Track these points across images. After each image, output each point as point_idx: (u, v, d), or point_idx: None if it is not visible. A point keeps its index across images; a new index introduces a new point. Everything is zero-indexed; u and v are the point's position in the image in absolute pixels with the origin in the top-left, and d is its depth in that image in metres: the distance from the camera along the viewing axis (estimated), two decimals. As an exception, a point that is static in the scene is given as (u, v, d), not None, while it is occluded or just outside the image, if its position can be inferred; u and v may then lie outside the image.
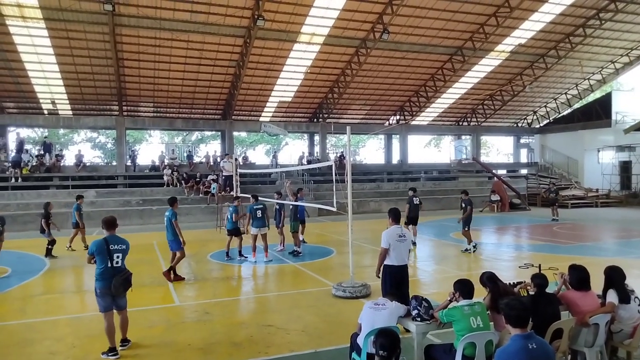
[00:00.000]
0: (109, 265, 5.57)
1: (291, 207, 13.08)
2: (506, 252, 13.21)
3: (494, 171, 31.00)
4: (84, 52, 21.57)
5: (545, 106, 36.38)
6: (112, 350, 5.57)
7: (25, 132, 28.68)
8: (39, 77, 22.88)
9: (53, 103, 25.13)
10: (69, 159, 27.71)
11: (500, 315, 4.01)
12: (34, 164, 23.80)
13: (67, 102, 25.28)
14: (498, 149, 52.49)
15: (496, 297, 4.64)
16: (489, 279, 4.94)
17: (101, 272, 5.58)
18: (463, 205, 12.72)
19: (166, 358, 5.64)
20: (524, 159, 39.50)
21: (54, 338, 6.36)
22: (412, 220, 13.59)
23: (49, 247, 12.40)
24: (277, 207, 13.87)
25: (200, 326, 6.79)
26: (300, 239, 13.43)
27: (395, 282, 6.19)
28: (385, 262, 6.27)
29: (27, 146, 25.52)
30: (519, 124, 38.34)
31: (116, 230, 5.93)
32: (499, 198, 25.89)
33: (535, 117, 37.45)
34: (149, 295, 8.66)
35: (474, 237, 12.89)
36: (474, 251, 12.31)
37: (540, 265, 6.61)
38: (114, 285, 5.52)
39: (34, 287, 9.59)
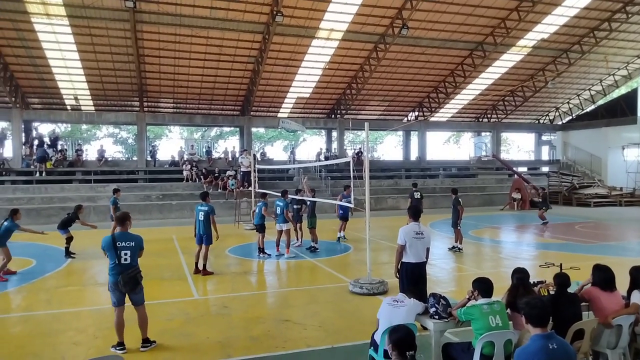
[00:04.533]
0: (117, 262, 5.57)
1: (309, 203, 13.12)
2: (526, 250, 13.02)
3: (514, 168, 30.54)
4: (106, 49, 21.91)
5: (568, 102, 35.64)
6: (120, 344, 5.64)
7: (47, 128, 29.24)
8: (63, 73, 23.32)
9: (76, 99, 25.61)
10: (91, 154, 28.24)
11: (519, 314, 3.96)
12: (58, 158, 24.34)
13: (90, 98, 25.73)
14: (519, 146, 51.64)
15: (515, 296, 4.59)
16: (519, 279, 4.87)
17: (111, 268, 5.62)
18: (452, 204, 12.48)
19: (185, 351, 5.73)
20: (545, 156, 38.83)
21: (77, 329, 6.52)
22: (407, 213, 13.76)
23: (67, 245, 12.01)
24: (296, 205, 13.91)
25: (219, 320, 6.88)
26: (342, 235, 13.93)
27: (413, 279, 6.12)
28: (403, 260, 6.22)
29: (46, 140, 25.98)
30: (541, 121, 37.65)
31: (130, 225, 5.90)
32: (520, 196, 25.51)
33: (557, 113, 36.72)
34: (168, 288, 8.80)
35: (494, 235, 12.75)
36: (459, 251, 12.17)
37: (561, 264, 6.49)
38: (121, 282, 5.52)
39: (57, 278, 9.83)
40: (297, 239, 13.51)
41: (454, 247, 12.30)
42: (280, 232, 11.89)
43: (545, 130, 37.91)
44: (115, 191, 13.94)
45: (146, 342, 5.76)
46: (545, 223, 17.70)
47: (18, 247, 11.89)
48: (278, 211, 11.74)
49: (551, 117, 37.16)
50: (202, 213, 9.76)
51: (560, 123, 36.63)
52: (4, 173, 22.72)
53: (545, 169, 35.12)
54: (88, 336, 6.23)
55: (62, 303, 7.94)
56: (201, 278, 9.55)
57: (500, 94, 31.88)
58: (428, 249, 6.32)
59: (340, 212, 14.05)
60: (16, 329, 6.68)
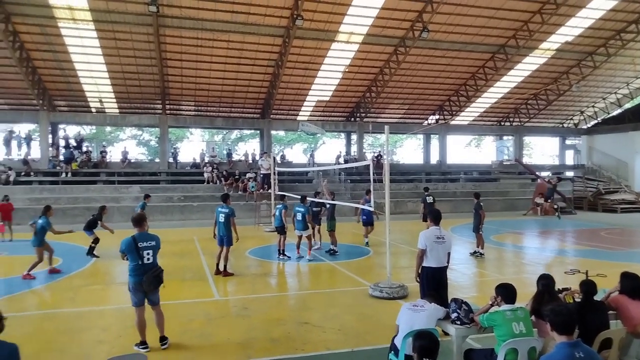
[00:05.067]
0: (139, 262, 5.65)
1: (328, 206, 13.12)
2: (550, 256, 12.77)
3: (537, 173, 30.01)
4: (130, 53, 22.35)
5: (593, 106, 34.88)
6: (143, 343, 5.74)
7: (73, 130, 29.88)
8: (88, 76, 23.86)
9: (100, 101, 26.19)
10: (115, 156, 28.80)
11: (544, 321, 3.89)
12: (83, 159, 24.90)
13: (114, 100, 26.27)
14: (542, 151, 50.74)
15: (540, 302, 4.51)
16: (544, 286, 4.78)
17: (133, 269, 5.69)
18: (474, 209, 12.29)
19: (206, 351, 5.79)
20: (569, 161, 38.05)
21: (101, 327, 6.65)
22: (427, 217, 13.75)
23: (93, 245, 12.18)
24: (315, 208, 13.95)
25: (239, 321, 6.93)
26: (366, 241, 13.75)
27: (433, 284, 6.05)
28: (424, 264, 6.16)
29: (72, 142, 26.61)
30: (565, 125, 36.93)
31: (146, 226, 6.01)
32: (543, 201, 25.02)
33: (582, 117, 35.98)
34: (189, 289, 8.90)
35: (517, 241, 12.54)
36: (481, 256, 11.98)
37: (587, 271, 6.35)
38: (145, 282, 5.61)
39: (82, 277, 10.03)
40: (316, 242, 13.53)
41: (475, 252, 12.14)
42: (300, 237, 11.87)
43: (569, 134, 37.16)
44: (146, 197, 14.30)
45: (164, 339, 5.88)
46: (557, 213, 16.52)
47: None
48: (299, 217, 11.57)
49: (576, 121, 36.42)
50: (223, 215, 9.83)
51: (585, 127, 35.88)
52: (31, 174, 23.32)
53: (569, 173, 34.40)
54: (112, 334, 6.35)
55: (87, 301, 8.11)
56: (222, 279, 9.64)
57: (523, 98, 31.40)
58: (449, 254, 6.26)
59: (363, 217, 13.79)
60: (43, 326, 6.85)
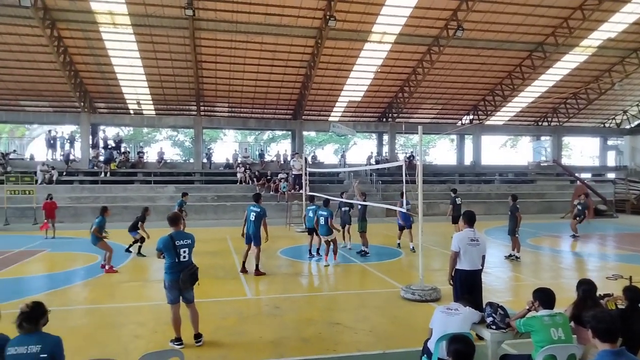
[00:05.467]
0: (176, 260, 5.76)
1: (360, 207, 13.06)
2: (591, 261, 12.32)
3: (576, 175, 29.00)
4: (167, 56, 22.94)
5: (638, 105, 33.41)
6: (178, 339, 5.86)
7: (112, 131, 30.91)
8: (127, 79, 24.65)
9: (138, 103, 27.00)
10: (151, 156, 29.61)
11: (584, 328, 3.76)
12: (121, 160, 25.72)
13: (151, 102, 27.03)
14: (582, 151, 48.99)
15: (581, 308, 4.35)
16: (585, 291, 4.59)
17: (169, 266, 5.79)
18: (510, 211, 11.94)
19: (239, 348, 5.87)
20: (611, 162, 36.59)
21: (138, 323, 6.84)
22: (457, 219, 14.52)
23: (140, 244, 12.40)
24: (344, 207, 13.95)
25: (271, 320, 6.99)
26: (411, 247, 13.12)
27: (466, 287, 5.90)
28: (457, 266, 6.04)
29: (111, 142, 27.56)
30: (606, 125, 35.55)
31: (182, 225, 6.17)
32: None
33: (625, 117, 34.54)
34: (222, 287, 9.05)
35: (554, 244, 12.17)
36: (517, 259, 11.67)
37: (631, 277, 6.10)
38: (182, 280, 5.70)
39: (121, 274, 10.33)
40: (346, 242, 13.57)
41: (511, 256, 11.85)
42: (327, 241, 11.31)
43: (611, 135, 35.74)
44: (184, 195, 14.49)
45: (198, 336, 5.97)
46: (574, 237, 15.92)
47: (84, 243, 12.66)
48: (322, 221, 11.16)
49: (618, 121, 35.00)
50: (254, 214, 9.90)
51: (628, 127, 34.42)
52: (74, 174, 24.27)
53: (611, 175, 33.09)
54: (148, 330, 6.52)
55: (125, 297, 8.37)
56: (254, 278, 9.74)
57: (562, 97, 30.40)
58: (484, 257, 6.11)
59: (399, 222, 13.51)
60: (83, 320, 7.10)
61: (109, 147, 26.33)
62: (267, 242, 10.21)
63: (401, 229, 13.62)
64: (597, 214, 24.40)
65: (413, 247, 12.97)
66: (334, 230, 11.15)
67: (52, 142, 26.06)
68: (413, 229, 13.36)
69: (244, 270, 10.07)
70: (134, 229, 12.61)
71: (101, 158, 25.50)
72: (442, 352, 4.11)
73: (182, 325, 5.91)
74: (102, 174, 24.41)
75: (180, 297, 5.90)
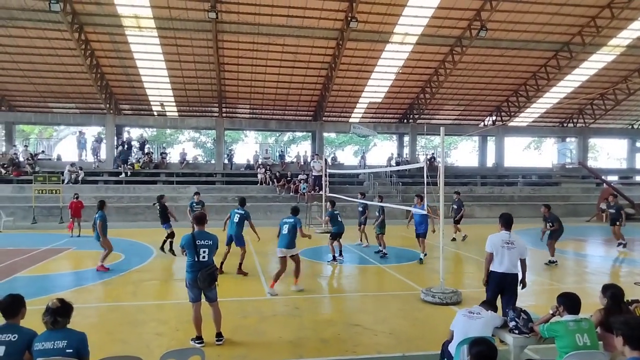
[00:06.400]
0: (196, 259, 5.84)
1: (379, 214, 12.98)
2: (617, 266, 11.99)
3: (603, 177, 28.27)
4: (190, 58, 23.26)
5: (668, 106, 32.41)
6: (199, 338, 5.91)
7: (136, 132, 31.53)
8: (151, 81, 25.10)
9: (162, 105, 27.46)
10: (174, 157, 30.05)
11: (612, 334, 3.65)
12: (145, 160, 26.18)
13: (174, 104, 27.45)
14: (609, 153, 47.77)
15: (608, 314, 4.23)
16: (612, 297, 4.45)
17: (190, 265, 5.88)
18: (550, 223, 11.61)
19: (258, 348, 5.90)
20: (639, 164, 35.54)
21: (160, 320, 6.95)
22: (459, 220, 15.71)
23: (171, 240, 12.24)
24: (361, 208, 14.07)
25: (290, 320, 7.01)
26: (420, 257, 11.89)
27: (497, 289, 5.91)
28: (491, 268, 6.00)
29: (135, 142, 28.13)
30: (635, 126, 34.56)
31: (205, 225, 6.21)
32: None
33: (655, 118, 33.54)
34: (243, 287, 9.12)
35: (579, 248, 11.91)
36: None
37: (660, 283, 5.91)
38: (200, 279, 5.76)
39: (143, 272, 10.53)
40: (361, 241, 14.02)
41: (550, 262, 11.51)
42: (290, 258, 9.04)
43: (640, 136, 34.77)
44: (196, 194, 14.37)
45: (220, 336, 6.01)
46: (622, 244, 14.34)
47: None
48: (284, 231, 9.28)
49: (647, 122, 34.00)
50: (238, 216, 10.33)
51: (658, 128, 33.40)
52: (99, 174, 24.82)
53: (639, 178, 32.17)
54: (170, 328, 6.61)
55: (147, 295, 8.51)
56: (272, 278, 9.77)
57: (588, 98, 29.69)
58: (523, 260, 5.97)
59: (418, 230, 11.84)
60: (106, 317, 7.25)
61: (128, 147, 26.74)
62: (259, 241, 10.56)
63: (417, 236, 11.98)
64: (625, 218, 23.71)
65: (421, 258, 11.77)
66: (306, 235, 9.22)
67: (82, 142, 26.69)
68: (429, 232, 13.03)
69: (221, 271, 9.86)
70: (166, 220, 12.50)
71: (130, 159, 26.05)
72: (463, 356, 4.06)
73: (203, 324, 5.97)
74: (123, 174, 24.83)
75: (203, 296, 5.96)
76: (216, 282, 5.98)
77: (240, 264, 10.21)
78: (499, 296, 5.94)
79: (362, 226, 14.03)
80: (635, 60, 26.64)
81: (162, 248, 12.52)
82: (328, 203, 12.48)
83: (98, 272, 10.24)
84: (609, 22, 22.14)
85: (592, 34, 23.02)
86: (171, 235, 12.44)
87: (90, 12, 20.18)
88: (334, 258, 11.72)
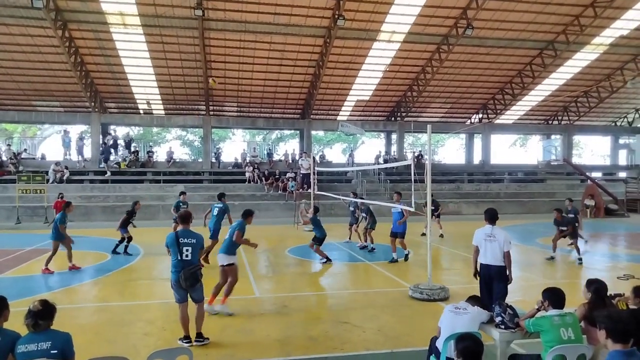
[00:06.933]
0: (179, 258, 5.76)
1: (369, 214, 13.03)
2: (601, 261, 12.18)
3: (587, 174, 28.71)
4: (176, 56, 23.06)
5: (650, 103, 33.01)
6: (186, 337, 5.87)
7: (122, 131, 31.15)
8: (137, 79, 24.83)
9: (148, 103, 27.19)
10: (160, 156, 29.79)
11: (595, 328, 3.71)
12: (131, 159, 25.90)
13: (160, 102, 27.20)
14: (592, 150, 48.52)
15: (592, 308, 4.30)
16: (596, 291, 4.52)
17: (173, 265, 5.81)
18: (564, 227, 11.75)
19: (246, 346, 5.88)
20: (622, 161, 36.16)
21: (147, 320, 6.89)
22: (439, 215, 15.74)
23: (127, 244, 12.16)
24: (352, 208, 14.10)
25: (278, 318, 7.01)
26: (394, 256, 11.46)
27: (485, 280, 6.28)
28: (479, 260, 6.39)
29: (120, 141, 27.76)
30: (618, 123, 35.13)
31: (190, 224, 6.12)
32: (593, 203, 23.96)
33: (637, 115, 34.11)
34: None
35: (564, 244, 12.09)
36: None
37: (642, 277, 6.02)
38: (182, 278, 5.68)
39: (129, 272, 10.43)
40: (350, 239, 14.17)
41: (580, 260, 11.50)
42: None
43: (622, 133, 35.33)
44: (182, 194, 14.25)
45: (200, 336, 5.91)
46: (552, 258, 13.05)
47: (94, 242, 12.79)
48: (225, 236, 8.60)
49: (630, 119, 34.57)
50: (217, 209, 10.83)
51: (640, 125, 34.02)
52: (85, 173, 24.51)
53: (622, 174, 32.73)
54: (157, 328, 6.56)
55: (134, 295, 8.44)
56: (262, 277, 9.77)
57: (572, 95, 30.10)
58: (507, 253, 6.20)
59: (395, 229, 11.39)
60: (93, 318, 7.17)
61: (107, 144, 26.28)
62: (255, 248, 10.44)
63: (393, 235, 11.51)
64: (608, 213, 24.17)
65: (396, 258, 11.31)
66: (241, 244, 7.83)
67: (67, 141, 26.28)
68: (417, 228, 13.23)
69: (207, 261, 10.31)
70: (124, 225, 12.26)
71: (112, 158, 25.70)
72: (450, 351, 4.10)
73: (191, 324, 5.93)
74: (108, 173, 24.52)
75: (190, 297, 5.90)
76: (199, 282, 5.86)
77: (207, 253, 10.37)
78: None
79: (354, 225, 14.03)
80: (618, 59, 27.10)
81: (125, 252, 12.14)
82: (311, 209, 12.29)
83: (70, 271, 10.22)
84: (592, 20, 22.45)
85: (576, 33, 23.33)
86: (129, 239, 12.24)
87: (74, 9, 19.88)
88: (328, 259, 11.41)
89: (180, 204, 13.55)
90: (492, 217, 6.42)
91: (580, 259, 11.46)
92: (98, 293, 8.73)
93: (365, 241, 13.20)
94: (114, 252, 12.21)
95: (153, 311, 7.41)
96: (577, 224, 12.36)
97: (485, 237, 6.27)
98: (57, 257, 10.35)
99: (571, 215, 12.37)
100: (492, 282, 6.21)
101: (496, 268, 6.19)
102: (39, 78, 23.92)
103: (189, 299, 5.92)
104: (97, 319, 7.06)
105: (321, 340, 6.08)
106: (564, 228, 11.73)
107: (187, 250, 5.80)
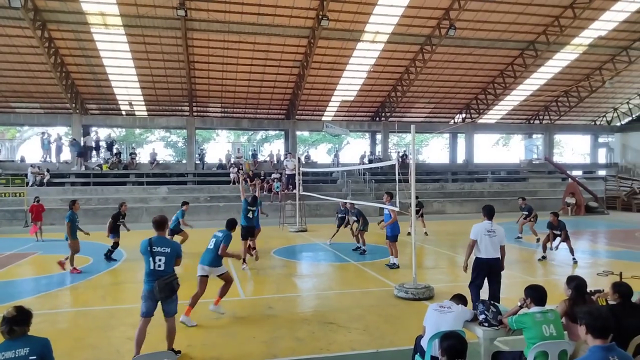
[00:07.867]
0: (152, 267, 5.30)
1: (358, 219, 13.08)
2: (581, 257, 12.37)
3: (568, 172, 29.20)
4: (159, 56, 22.82)
5: (628, 102, 33.71)
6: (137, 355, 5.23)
7: (104, 132, 30.70)
8: (118, 80, 24.49)
9: (130, 104, 26.84)
10: (144, 157, 29.44)
11: (576, 324, 3.77)
12: (114, 161, 25.54)
13: (143, 103, 26.88)
14: (573, 149, 49.41)
15: (573, 305, 4.37)
16: (577, 288, 4.60)
17: (146, 274, 5.35)
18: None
19: (232, 349, 5.84)
20: (602, 159, 36.90)
21: (130, 324, 6.77)
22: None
23: (111, 249, 11.84)
24: (340, 215, 14.08)
25: (264, 320, 6.98)
26: (394, 261, 10.94)
27: (483, 274, 6.54)
28: (476, 255, 6.58)
29: (102, 143, 27.42)
30: (597, 122, 35.83)
31: (166, 231, 5.74)
32: (574, 201, 24.38)
33: (615, 114, 34.83)
34: (215, 288, 8.96)
35: (546, 241, 12.24)
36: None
37: (621, 273, 6.15)
38: (155, 289, 5.21)
39: (112, 275, 10.29)
40: (330, 239, 14.24)
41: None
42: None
43: (602, 132, 36.05)
44: (184, 204, 13.12)
45: (173, 351, 5.50)
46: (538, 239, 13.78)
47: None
48: (210, 245, 7.62)
49: (609, 118, 35.29)
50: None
51: (618, 124, 34.73)
52: (66, 175, 24.09)
53: (602, 172, 33.39)
54: (140, 332, 6.46)
55: (116, 299, 8.33)
56: (248, 279, 9.71)
57: (553, 95, 30.60)
58: (502, 247, 6.59)
59: (388, 231, 10.86)
60: (75, 323, 7.05)
61: (82, 145, 25.78)
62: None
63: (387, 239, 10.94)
64: (588, 211, 24.61)
65: (393, 264, 10.79)
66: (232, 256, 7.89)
67: (46, 143, 25.77)
68: (402, 227, 13.11)
69: (250, 253, 10.93)
70: (113, 230, 11.82)
71: (94, 160, 25.31)
72: (435, 350, 4.12)
73: (157, 340, 5.57)
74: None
75: (162, 310, 5.45)
76: (175, 294, 5.43)
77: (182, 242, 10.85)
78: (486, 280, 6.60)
79: (348, 227, 13.97)
80: (597, 59, 27.64)
81: (108, 256, 11.88)
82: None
83: (72, 274, 10.07)
84: (572, 21, 22.88)
85: (556, 33, 23.74)
86: (115, 245, 11.94)
87: (53, 9, 19.55)
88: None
89: (184, 214, 12.71)
90: (490, 213, 6.72)
91: (574, 259, 11.47)
92: (80, 297, 8.58)
93: (358, 242, 13.20)
94: (110, 259, 11.76)
95: (135, 315, 7.21)
96: (533, 220, 13.97)
97: (485, 232, 6.53)
98: (38, 262, 10.16)
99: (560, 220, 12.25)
100: (491, 274, 6.55)
101: (495, 260, 6.55)
102: (18, 79, 23.44)
103: (155, 315, 5.41)
104: (79, 324, 6.94)
105: (307, 341, 6.07)
106: (558, 232, 11.74)
107: (159, 260, 5.31)
